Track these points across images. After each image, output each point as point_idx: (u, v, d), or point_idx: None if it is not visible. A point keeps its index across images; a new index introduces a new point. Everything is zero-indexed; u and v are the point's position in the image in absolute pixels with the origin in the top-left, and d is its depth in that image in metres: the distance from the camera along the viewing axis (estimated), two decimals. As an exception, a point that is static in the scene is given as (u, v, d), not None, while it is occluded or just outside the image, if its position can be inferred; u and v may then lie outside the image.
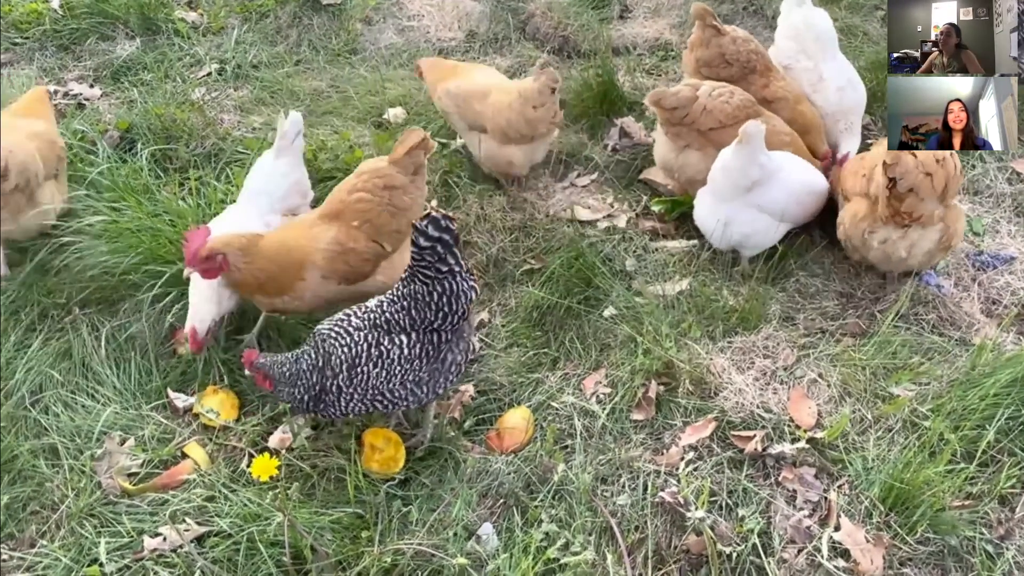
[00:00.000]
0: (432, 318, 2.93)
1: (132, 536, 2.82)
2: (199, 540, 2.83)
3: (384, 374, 2.94)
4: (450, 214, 2.81)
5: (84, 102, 4.88)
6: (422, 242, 2.78)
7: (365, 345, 2.93)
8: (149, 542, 2.81)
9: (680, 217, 4.17)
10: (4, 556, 2.82)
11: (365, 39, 5.55)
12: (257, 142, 4.41)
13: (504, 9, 5.75)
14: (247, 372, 3.03)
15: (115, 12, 5.37)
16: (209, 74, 5.17)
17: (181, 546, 2.78)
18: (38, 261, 3.70)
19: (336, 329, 2.97)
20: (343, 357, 2.91)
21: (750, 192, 3.65)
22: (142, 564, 2.76)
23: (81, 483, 2.98)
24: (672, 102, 3.91)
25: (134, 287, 3.59)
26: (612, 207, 4.24)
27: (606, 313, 3.64)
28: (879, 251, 3.55)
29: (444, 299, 2.90)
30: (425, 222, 2.77)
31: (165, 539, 2.81)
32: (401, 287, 2.95)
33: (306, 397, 2.93)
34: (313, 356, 2.94)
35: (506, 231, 4.07)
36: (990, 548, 2.80)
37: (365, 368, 2.92)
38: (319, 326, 3.02)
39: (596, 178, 4.45)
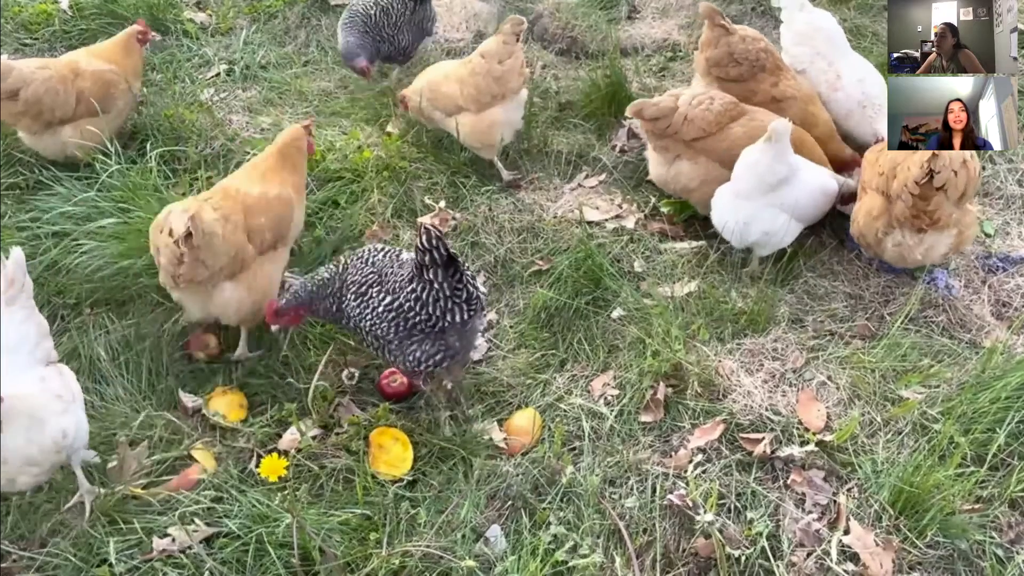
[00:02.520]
0: (403, 301, 3.05)
1: (142, 537, 2.83)
2: (208, 541, 2.84)
3: (358, 312, 3.14)
4: (442, 237, 2.88)
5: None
6: (417, 243, 2.90)
7: (359, 279, 3.15)
8: (158, 543, 2.81)
9: (689, 218, 4.16)
10: (14, 556, 2.83)
11: (373, 40, 5.55)
12: (265, 143, 4.42)
13: (512, 10, 5.74)
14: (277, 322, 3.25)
15: (124, 13, 5.37)
16: (218, 75, 5.18)
17: (190, 547, 2.79)
18: (49, 260, 3.71)
19: (365, 253, 3.24)
20: (346, 278, 3.19)
21: (774, 191, 3.63)
22: (151, 565, 2.76)
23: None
24: (653, 112, 3.91)
25: (144, 288, 3.60)
26: (620, 208, 4.24)
27: (614, 314, 3.63)
28: (894, 252, 3.56)
29: (413, 296, 3.03)
30: (421, 230, 2.87)
31: (174, 540, 2.82)
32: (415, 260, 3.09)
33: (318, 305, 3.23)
34: (327, 275, 3.23)
35: (514, 232, 4.08)
36: (1000, 552, 2.79)
37: (348, 296, 3.15)
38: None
39: (604, 179, 4.45)
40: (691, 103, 3.89)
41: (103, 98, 4.19)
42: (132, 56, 4.42)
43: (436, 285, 2.98)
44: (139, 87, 4.50)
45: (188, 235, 3.04)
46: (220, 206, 3.29)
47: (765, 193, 3.64)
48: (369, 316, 3.11)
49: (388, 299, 3.08)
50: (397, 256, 3.22)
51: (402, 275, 3.10)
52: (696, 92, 3.98)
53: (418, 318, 3.05)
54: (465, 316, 3.06)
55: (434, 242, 2.86)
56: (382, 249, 3.25)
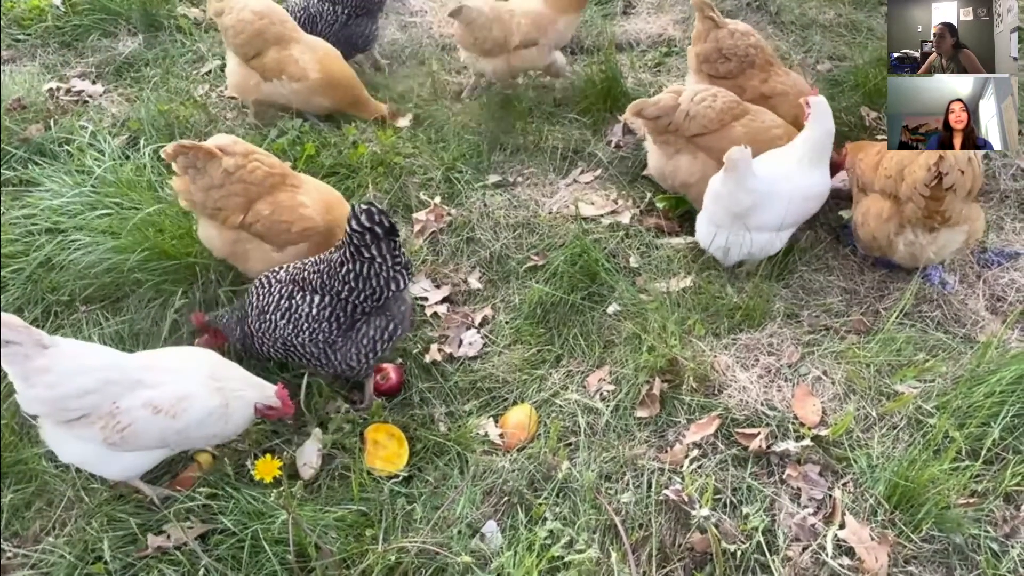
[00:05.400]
0: (339, 288, 3.06)
1: (136, 533, 2.83)
2: (203, 538, 2.84)
3: (291, 327, 3.11)
4: (384, 211, 2.95)
5: (87, 99, 4.88)
6: (353, 225, 2.93)
7: (277, 296, 3.13)
8: (153, 539, 2.81)
9: (684, 214, 4.16)
10: (9, 553, 2.82)
11: (368, 35, 5.54)
12: (260, 139, 4.41)
13: (507, 5, 5.73)
14: (199, 329, 3.30)
15: (117, 8, 5.37)
16: (210, 71, 5.16)
17: (185, 544, 2.78)
18: (43, 257, 3.69)
19: (264, 277, 3.21)
20: (255, 304, 3.16)
21: (745, 216, 3.58)
22: (146, 562, 2.76)
23: (91, 484, 3.00)
24: (653, 112, 3.88)
25: (138, 283, 3.58)
26: (616, 204, 4.23)
27: (610, 310, 3.63)
28: (906, 251, 3.56)
29: (352, 276, 3.04)
30: (360, 210, 2.92)
31: (169, 536, 2.82)
32: (330, 251, 3.13)
33: (237, 344, 3.24)
34: (241, 303, 3.25)
35: (509, 228, 4.07)
36: (995, 546, 2.80)
37: (272, 317, 3.12)
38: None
39: (600, 175, 4.44)
40: (693, 99, 3.87)
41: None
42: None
43: (379, 259, 3.01)
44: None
45: None
46: None
47: (736, 220, 3.60)
48: (305, 325, 3.09)
49: (317, 298, 3.08)
50: (302, 262, 3.20)
51: (326, 267, 3.09)
52: (699, 88, 3.96)
53: (361, 296, 3.06)
54: (404, 281, 3.12)
55: (377, 218, 2.91)
56: (281, 267, 3.23)
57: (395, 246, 3.02)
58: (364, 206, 2.92)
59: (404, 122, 4.70)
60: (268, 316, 3.12)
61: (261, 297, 3.16)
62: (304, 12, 4.77)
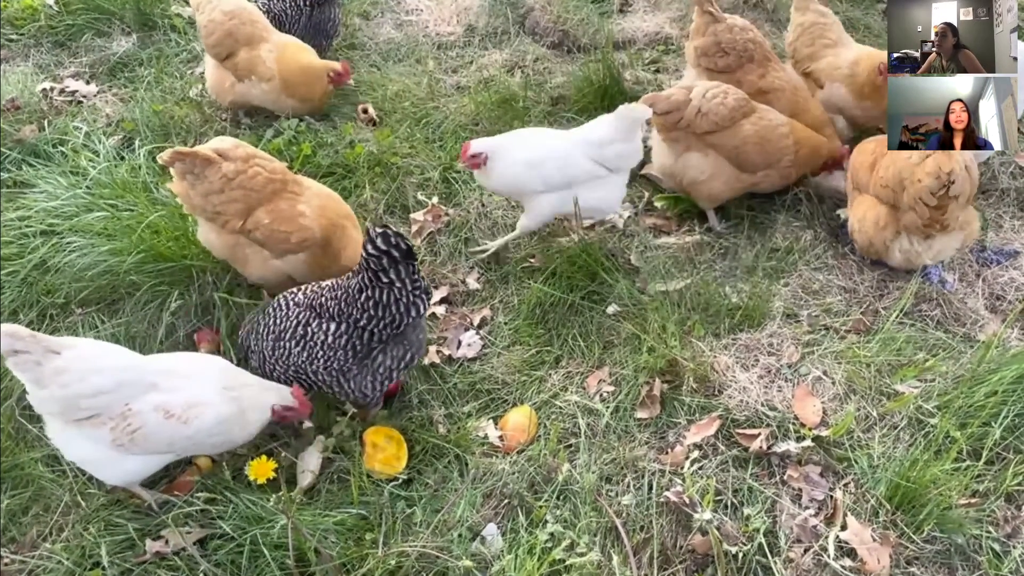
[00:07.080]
0: (358, 316, 2.96)
1: (134, 539, 2.81)
2: (201, 543, 2.82)
3: (306, 355, 3.03)
4: (402, 233, 2.83)
5: (81, 99, 4.85)
6: (370, 249, 2.82)
7: (294, 322, 3.04)
8: (151, 545, 2.80)
9: (683, 213, 4.14)
10: (7, 559, 2.80)
11: (364, 34, 5.52)
12: (254, 139, 4.38)
13: (503, 3, 5.70)
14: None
15: (111, 8, 5.33)
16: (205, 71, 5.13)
17: (183, 549, 2.77)
18: (37, 259, 3.66)
19: (282, 299, 3.13)
20: (272, 327, 3.08)
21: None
22: (144, 567, 2.74)
23: (88, 489, 2.98)
24: (664, 106, 3.83)
25: (134, 286, 3.56)
26: (614, 203, 4.21)
27: (609, 310, 3.62)
28: (901, 257, 3.58)
29: (371, 303, 2.93)
30: (376, 234, 2.79)
31: (167, 542, 2.80)
32: (347, 277, 3.03)
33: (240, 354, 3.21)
34: (254, 321, 3.17)
35: (508, 228, 4.05)
36: (997, 546, 2.79)
37: (288, 344, 3.04)
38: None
39: (598, 174, 4.41)
40: (705, 95, 3.83)
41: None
42: None
43: (398, 283, 2.90)
44: None
45: None
46: None
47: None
48: (320, 353, 3.01)
49: (334, 326, 2.99)
50: (320, 286, 3.10)
51: (343, 294, 2.98)
52: (710, 84, 3.93)
53: (380, 323, 2.95)
54: (424, 307, 3.01)
55: (393, 240, 2.79)
56: (299, 289, 3.15)
57: (413, 270, 2.90)
58: (379, 229, 2.78)
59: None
60: (284, 343, 3.05)
61: (278, 321, 3.07)
62: (268, 15, 4.71)
